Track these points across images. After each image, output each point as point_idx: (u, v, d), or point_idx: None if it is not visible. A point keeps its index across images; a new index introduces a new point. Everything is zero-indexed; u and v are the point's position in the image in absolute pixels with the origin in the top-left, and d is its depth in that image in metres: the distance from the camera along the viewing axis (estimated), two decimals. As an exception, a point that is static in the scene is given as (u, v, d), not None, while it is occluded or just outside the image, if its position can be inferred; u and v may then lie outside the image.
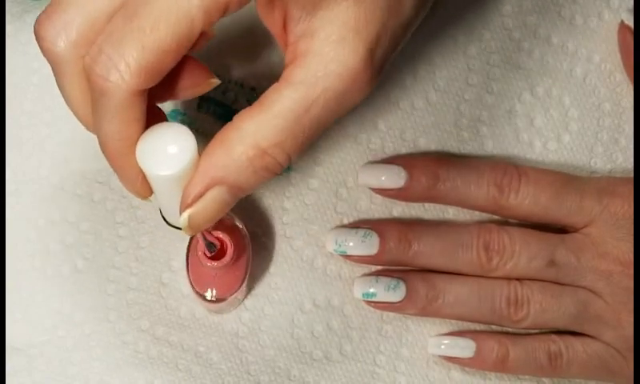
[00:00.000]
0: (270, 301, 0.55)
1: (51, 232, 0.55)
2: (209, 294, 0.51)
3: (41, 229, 0.55)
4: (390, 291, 0.53)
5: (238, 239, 0.50)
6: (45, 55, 0.41)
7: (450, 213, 0.56)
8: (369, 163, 0.55)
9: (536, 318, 0.52)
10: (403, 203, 0.56)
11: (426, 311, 0.54)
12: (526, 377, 0.55)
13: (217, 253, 0.49)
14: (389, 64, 0.42)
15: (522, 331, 0.54)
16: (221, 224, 0.50)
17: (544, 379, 0.55)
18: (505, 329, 0.54)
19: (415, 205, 0.56)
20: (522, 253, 0.52)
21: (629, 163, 0.57)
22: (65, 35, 0.40)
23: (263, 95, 0.40)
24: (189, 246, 0.52)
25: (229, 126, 0.40)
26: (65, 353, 0.54)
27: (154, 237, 0.55)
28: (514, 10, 0.58)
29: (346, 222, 0.56)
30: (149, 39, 0.38)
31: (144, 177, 0.42)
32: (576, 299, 0.52)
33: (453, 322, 0.55)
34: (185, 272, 0.53)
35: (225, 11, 0.39)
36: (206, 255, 0.49)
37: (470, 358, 0.53)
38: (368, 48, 0.40)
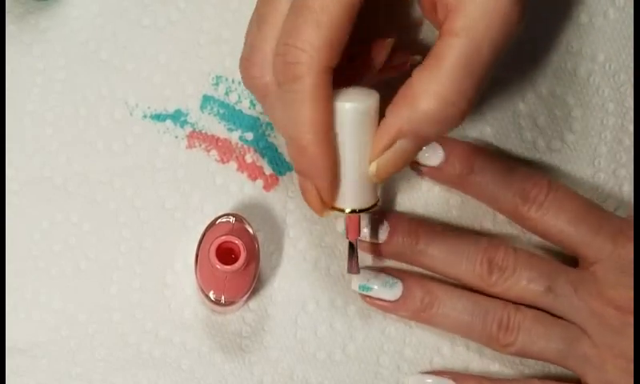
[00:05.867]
0: (273, 301, 0.55)
1: (54, 233, 0.55)
2: (218, 297, 0.51)
3: (44, 229, 0.55)
4: (387, 288, 0.53)
5: (249, 245, 0.50)
6: (254, 91, 0.46)
7: (454, 213, 0.56)
8: None
9: (524, 346, 0.53)
10: (407, 204, 0.56)
11: (419, 317, 0.54)
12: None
13: (229, 258, 0.49)
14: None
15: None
16: (233, 230, 0.50)
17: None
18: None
19: (418, 206, 0.56)
20: (523, 274, 0.53)
21: (632, 163, 0.57)
22: (268, 67, 0.45)
23: (432, 50, 0.43)
24: (199, 246, 0.52)
25: (410, 82, 0.43)
26: (68, 353, 0.54)
27: (157, 238, 0.55)
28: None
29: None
30: (321, 17, 0.42)
31: (334, 179, 0.45)
32: (566, 335, 0.52)
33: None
34: (189, 273, 0.53)
35: None
36: (217, 258, 0.49)
37: None
38: None
